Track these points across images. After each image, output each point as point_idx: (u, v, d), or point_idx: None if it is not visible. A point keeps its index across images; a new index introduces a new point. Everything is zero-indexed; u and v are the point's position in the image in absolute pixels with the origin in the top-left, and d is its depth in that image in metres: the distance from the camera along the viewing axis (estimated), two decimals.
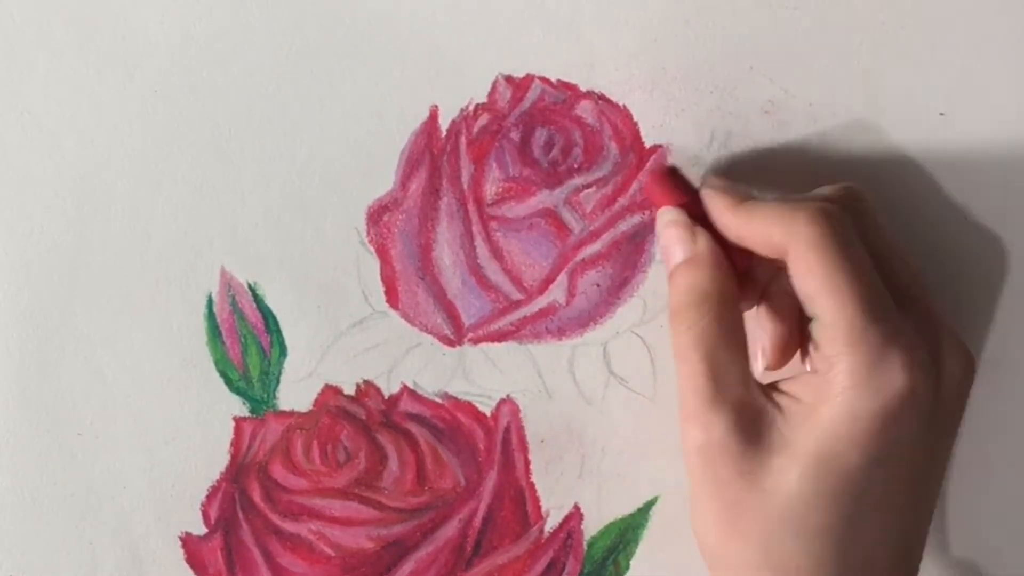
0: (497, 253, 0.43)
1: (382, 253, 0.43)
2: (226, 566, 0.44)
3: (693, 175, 0.42)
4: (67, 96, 0.43)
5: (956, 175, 0.43)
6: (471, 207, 0.43)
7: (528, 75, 0.43)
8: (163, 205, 0.43)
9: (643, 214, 0.43)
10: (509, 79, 0.43)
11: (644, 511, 0.44)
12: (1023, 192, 0.43)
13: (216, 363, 0.43)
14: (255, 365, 0.43)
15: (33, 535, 0.44)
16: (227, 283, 0.43)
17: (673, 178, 0.41)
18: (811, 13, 0.42)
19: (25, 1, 0.42)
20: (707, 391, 0.37)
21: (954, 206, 0.43)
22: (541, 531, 0.44)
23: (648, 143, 0.43)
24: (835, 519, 0.36)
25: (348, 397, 0.44)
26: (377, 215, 0.43)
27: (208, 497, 0.44)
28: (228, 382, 0.43)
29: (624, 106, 0.43)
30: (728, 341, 0.38)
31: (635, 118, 0.43)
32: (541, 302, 0.43)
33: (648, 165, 0.43)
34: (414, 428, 0.44)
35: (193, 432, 0.44)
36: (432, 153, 0.43)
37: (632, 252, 0.43)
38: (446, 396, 0.44)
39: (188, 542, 0.44)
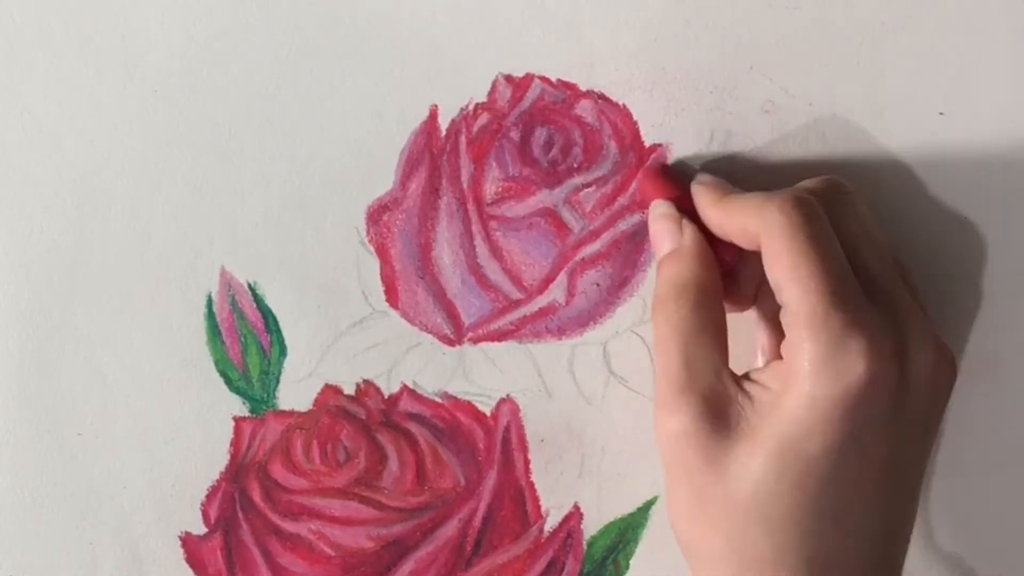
0: (497, 253, 0.43)
1: (382, 253, 0.43)
2: (226, 566, 0.44)
3: (692, 173, 0.42)
4: (67, 96, 0.43)
5: (956, 175, 0.43)
6: (471, 207, 0.43)
7: (528, 75, 0.43)
8: (163, 205, 0.43)
9: (643, 213, 0.43)
10: (509, 79, 0.43)
11: (644, 511, 0.44)
12: (1023, 192, 0.43)
13: (216, 363, 0.43)
14: (255, 365, 0.43)
15: (33, 535, 0.44)
16: (227, 283, 0.43)
17: (665, 173, 0.42)
18: (811, 13, 0.42)
19: (25, 1, 0.42)
20: (679, 380, 0.38)
21: (954, 206, 0.43)
22: (541, 531, 0.44)
23: (648, 143, 0.43)
24: (798, 508, 0.36)
25: (348, 397, 0.44)
26: (377, 215, 0.43)
27: (208, 497, 0.44)
28: (228, 382, 0.43)
29: (624, 106, 0.43)
30: (704, 332, 0.38)
31: (635, 118, 0.43)
32: (541, 301, 0.43)
33: (648, 162, 0.43)
34: (414, 428, 0.44)
35: (193, 432, 0.44)
36: (432, 153, 0.43)
37: (632, 251, 0.43)
38: (446, 396, 0.44)
39: (188, 542, 0.44)
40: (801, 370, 0.36)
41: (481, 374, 0.44)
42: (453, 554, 0.44)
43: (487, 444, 0.44)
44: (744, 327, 0.42)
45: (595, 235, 0.43)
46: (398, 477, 0.44)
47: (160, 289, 0.43)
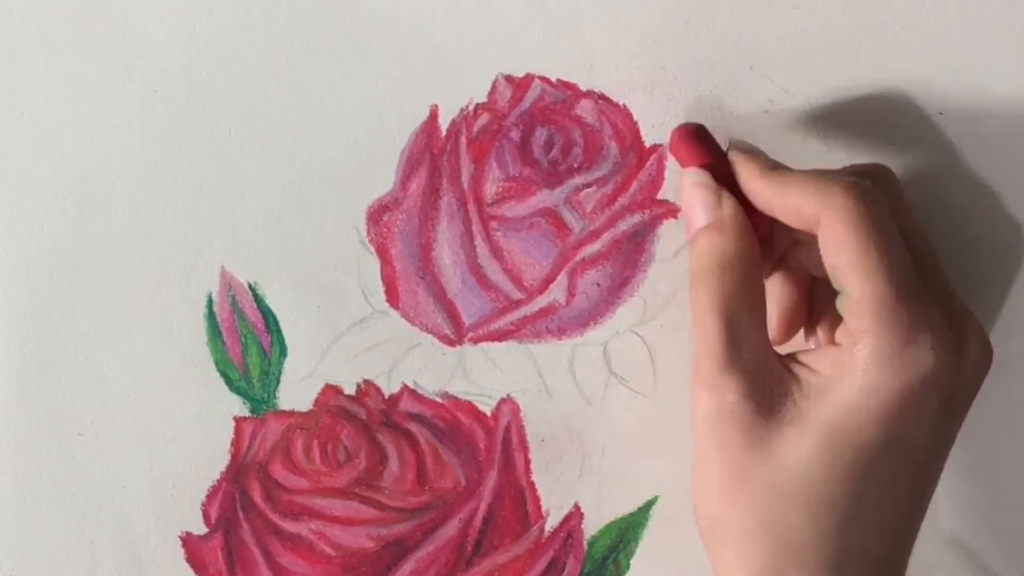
0: (497, 253, 0.43)
1: (382, 253, 0.43)
2: (226, 566, 0.44)
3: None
4: (67, 96, 0.43)
5: (956, 175, 0.43)
6: (471, 207, 0.43)
7: (528, 75, 0.43)
8: (163, 205, 0.43)
9: (643, 213, 0.43)
10: (509, 79, 0.43)
11: (644, 511, 0.44)
12: (1023, 192, 0.43)
13: (216, 363, 0.43)
14: (255, 365, 0.43)
15: (33, 535, 0.44)
16: (227, 283, 0.43)
17: (700, 137, 0.40)
18: (811, 13, 0.42)
19: (25, 1, 0.42)
20: (723, 356, 0.37)
21: (953, 206, 0.43)
22: (541, 530, 0.44)
23: (648, 143, 0.43)
24: (844, 496, 0.36)
25: (348, 397, 0.44)
26: (377, 215, 0.43)
27: (208, 497, 0.44)
28: (228, 382, 0.43)
29: (624, 106, 0.43)
30: (750, 308, 0.37)
31: (635, 118, 0.43)
32: (541, 301, 0.43)
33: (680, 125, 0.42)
34: (414, 428, 0.44)
35: (193, 432, 0.44)
36: (432, 153, 0.43)
37: (632, 251, 0.43)
38: (446, 396, 0.44)
39: (188, 542, 0.44)
40: (863, 359, 0.36)
41: (481, 374, 0.44)
42: (454, 554, 0.44)
43: (487, 444, 0.44)
44: None
45: (595, 235, 0.43)
46: (398, 477, 0.44)
47: (160, 289, 0.43)
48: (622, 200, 0.43)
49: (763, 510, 0.36)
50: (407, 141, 0.43)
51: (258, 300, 0.43)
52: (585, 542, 0.44)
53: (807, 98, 0.43)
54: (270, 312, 0.43)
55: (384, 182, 0.43)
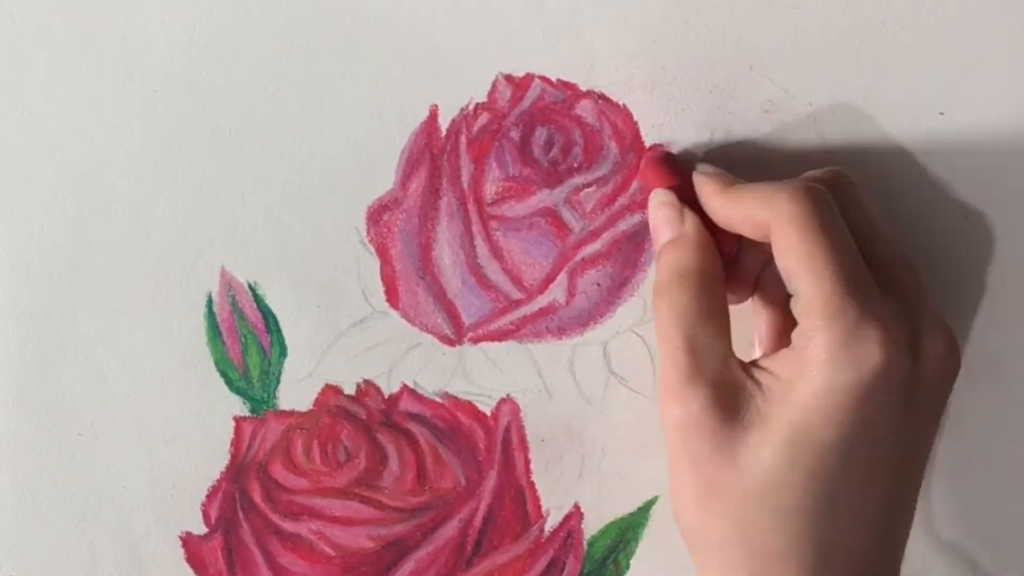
0: (497, 252, 0.43)
1: (382, 253, 0.43)
2: (226, 566, 0.44)
3: (693, 163, 0.42)
4: (67, 96, 0.43)
5: (956, 175, 0.43)
6: (471, 207, 0.43)
7: (528, 75, 0.43)
8: (163, 205, 0.43)
9: (643, 213, 0.43)
10: (509, 78, 0.43)
11: (644, 511, 0.44)
12: (1023, 192, 0.43)
13: (216, 363, 0.43)
14: (255, 365, 0.43)
15: (33, 535, 0.44)
16: (227, 283, 0.43)
17: (666, 161, 0.42)
18: (811, 13, 0.42)
19: (25, 1, 0.42)
20: (686, 367, 0.38)
21: (954, 206, 0.43)
22: (541, 530, 0.44)
23: (648, 143, 0.43)
24: (810, 497, 0.36)
25: (348, 397, 0.44)
26: (377, 215, 0.43)
27: (208, 497, 0.44)
28: (228, 382, 0.43)
29: (624, 106, 0.43)
30: (709, 318, 0.38)
31: (635, 118, 0.43)
32: (541, 301, 0.43)
33: (648, 151, 0.43)
34: (414, 428, 0.44)
35: (193, 432, 0.44)
36: (432, 153, 0.43)
37: (632, 251, 0.43)
38: (446, 396, 0.44)
39: (188, 542, 0.44)
40: (816, 359, 0.36)
41: (481, 374, 0.44)
42: (453, 554, 0.44)
43: (487, 444, 0.44)
44: (740, 317, 0.42)
45: (595, 235, 0.43)
46: (398, 477, 0.44)
47: (160, 289, 0.43)
48: (622, 200, 0.43)
49: (737, 517, 0.37)
50: (407, 141, 0.43)
51: (258, 300, 0.43)
52: (585, 542, 0.44)
53: (807, 98, 0.43)
54: (270, 312, 0.43)
55: (384, 182, 0.43)
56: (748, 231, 0.39)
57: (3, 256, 0.43)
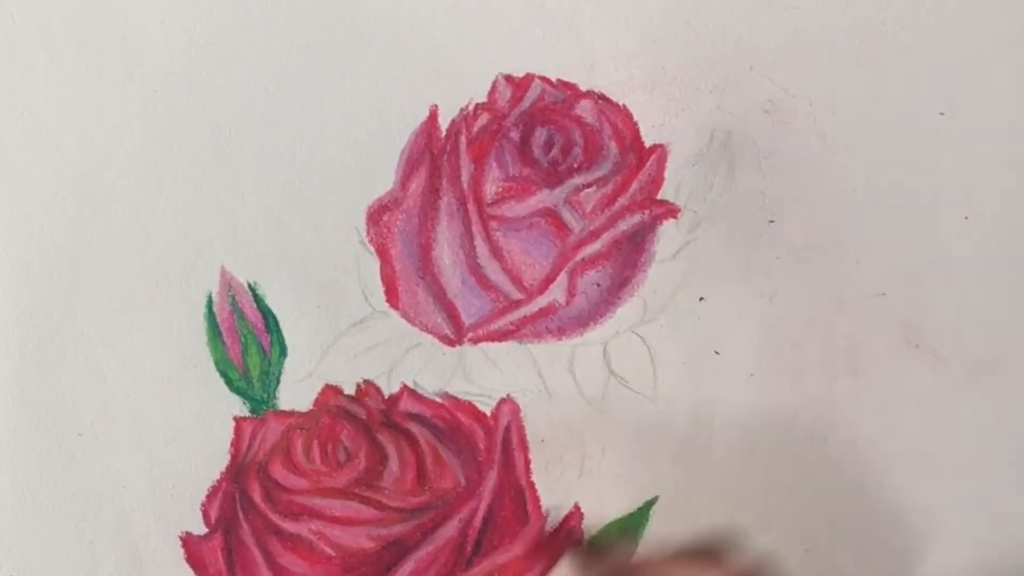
0: (497, 253, 0.43)
1: (382, 253, 0.43)
2: (226, 566, 0.44)
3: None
4: (67, 96, 0.43)
5: (956, 175, 0.43)
6: (471, 207, 0.43)
7: (528, 75, 0.43)
8: (163, 205, 0.43)
9: (643, 213, 0.43)
10: (509, 79, 0.43)
11: (644, 511, 0.44)
12: (1023, 192, 0.43)
13: (216, 363, 0.43)
14: (255, 365, 0.43)
15: (33, 535, 0.44)
16: (227, 283, 0.43)
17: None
18: (811, 13, 0.42)
19: (25, 1, 0.42)
20: None
21: (954, 206, 0.43)
22: (541, 530, 0.44)
23: (648, 143, 0.43)
24: None
25: (348, 397, 0.44)
26: (377, 215, 0.43)
27: (208, 497, 0.44)
28: (228, 382, 0.43)
29: (624, 106, 0.43)
30: None
31: (635, 118, 0.43)
32: (541, 302, 0.43)
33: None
34: (414, 428, 0.44)
35: (193, 432, 0.43)
36: (432, 153, 0.43)
37: (632, 252, 0.43)
38: (446, 396, 0.44)
39: (188, 542, 0.44)
40: None
41: (481, 374, 0.44)
42: (453, 554, 0.44)
43: (487, 444, 0.44)
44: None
45: (595, 235, 0.43)
46: (398, 477, 0.44)
47: (160, 289, 0.43)
48: (622, 200, 0.43)
49: None
50: (407, 141, 0.43)
51: (258, 300, 0.43)
52: (585, 542, 0.44)
53: (807, 98, 0.43)
54: (270, 312, 0.43)
55: (384, 182, 0.43)
56: None
57: (3, 256, 0.43)
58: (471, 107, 0.43)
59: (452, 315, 0.43)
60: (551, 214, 0.43)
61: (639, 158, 0.43)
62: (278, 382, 0.43)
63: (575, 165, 0.43)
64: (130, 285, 0.43)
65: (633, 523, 0.44)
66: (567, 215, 0.43)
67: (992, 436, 0.44)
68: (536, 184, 0.43)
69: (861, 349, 0.44)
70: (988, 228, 0.43)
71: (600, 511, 0.44)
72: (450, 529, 0.44)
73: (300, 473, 0.44)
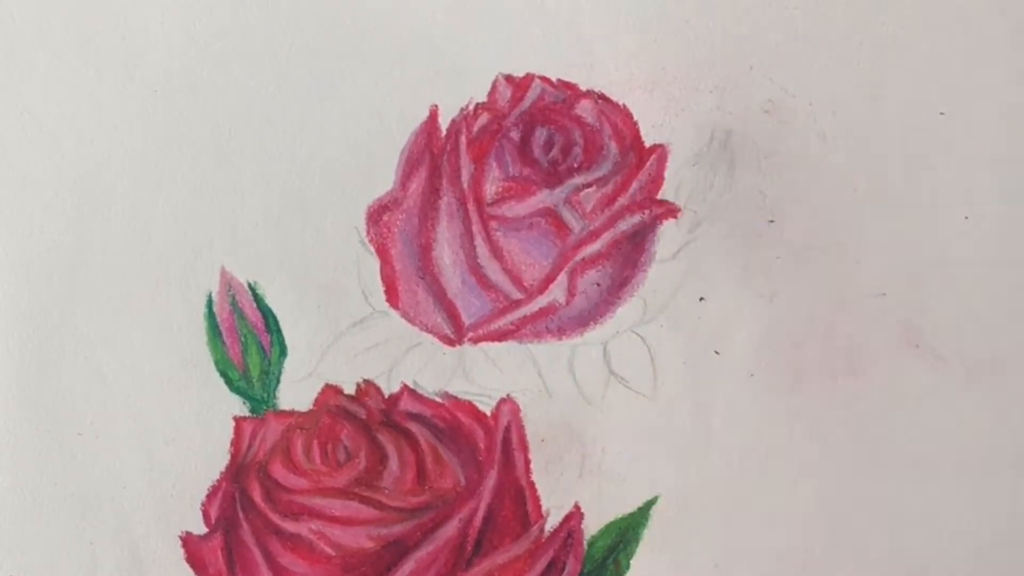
0: (497, 253, 0.43)
1: (382, 253, 0.43)
2: (226, 566, 0.44)
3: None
4: (67, 96, 0.43)
5: (956, 175, 0.43)
6: (471, 207, 0.43)
7: (528, 75, 0.43)
8: (163, 205, 0.43)
9: (643, 213, 0.43)
10: (509, 79, 0.43)
11: (644, 510, 0.44)
12: (1023, 192, 0.43)
13: (216, 363, 0.43)
14: (255, 365, 0.43)
15: (33, 535, 0.44)
16: (227, 283, 0.43)
17: None
18: (811, 13, 0.42)
19: (25, 1, 0.42)
20: None
21: (954, 206, 0.43)
22: (541, 530, 0.44)
23: (648, 143, 0.43)
24: None
25: (348, 397, 0.44)
26: (377, 215, 0.43)
27: (208, 497, 0.44)
28: (228, 382, 0.43)
29: (624, 105, 0.43)
30: None
31: (635, 117, 0.43)
32: (541, 301, 0.43)
33: None
34: (414, 427, 0.44)
35: (193, 432, 0.43)
36: (432, 153, 0.43)
37: (632, 251, 0.43)
38: (446, 395, 0.44)
39: (188, 542, 0.44)
40: None
41: (481, 374, 0.44)
42: (453, 554, 0.44)
43: (487, 444, 0.44)
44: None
45: (595, 235, 0.43)
46: (398, 477, 0.44)
47: (160, 289, 0.43)
48: (622, 200, 0.43)
49: None
50: (407, 141, 0.43)
51: (258, 300, 0.43)
52: (585, 542, 0.44)
53: (807, 98, 0.43)
54: (270, 312, 0.43)
55: (384, 182, 0.43)
56: None
57: (3, 256, 0.43)
58: (471, 107, 0.43)
59: (452, 315, 0.43)
60: (551, 214, 0.43)
61: (639, 158, 0.43)
62: (278, 382, 0.43)
63: (575, 165, 0.43)
64: (130, 285, 0.43)
65: (633, 523, 0.44)
66: (567, 215, 0.43)
67: (992, 436, 0.44)
68: (536, 184, 0.43)
69: (861, 349, 0.44)
70: (988, 228, 0.43)
71: (600, 511, 0.44)
72: (450, 529, 0.44)
73: (300, 473, 0.44)
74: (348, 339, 0.43)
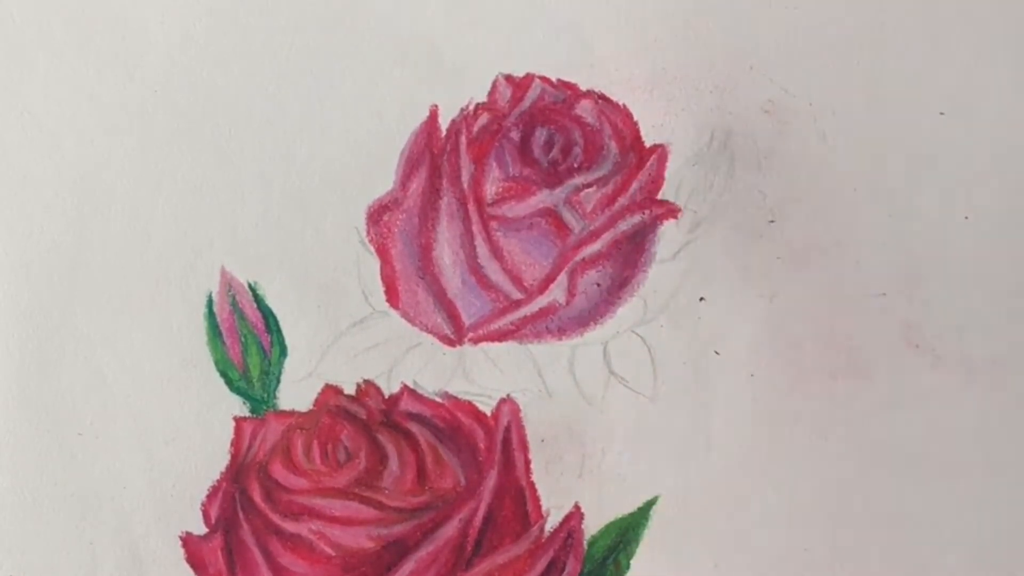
0: (497, 253, 0.43)
1: (382, 253, 0.43)
2: (226, 566, 0.44)
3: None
4: (67, 96, 0.43)
5: (956, 175, 0.43)
6: (471, 207, 0.43)
7: (528, 75, 0.43)
8: (163, 205, 0.43)
9: (643, 213, 0.43)
10: (509, 79, 0.43)
11: (644, 510, 0.44)
12: (1023, 192, 0.43)
13: (216, 363, 0.43)
14: (255, 365, 0.43)
15: (33, 535, 0.44)
16: (227, 283, 0.43)
17: None
18: (811, 13, 0.42)
19: (25, 1, 0.42)
20: None
21: (954, 206, 0.43)
22: (541, 531, 0.44)
23: (648, 143, 0.43)
24: None
25: (348, 397, 0.44)
26: (377, 215, 0.43)
27: (208, 497, 0.44)
28: (228, 382, 0.43)
29: (624, 106, 0.43)
30: None
31: (635, 118, 0.43)
32: (541, 302, 0.43)
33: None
34: (414, 428, 0.44)
35: (193, 432, 0.44)
36: (432, 153, 0.43)
37: (632, 252, 0.43)
38: (446, 396, 0.44)
39: (188, 542, 0.44)
40: None
41: (481, 374, 0.44)
42: (453, 554, 0.44)
43: (487, 444, 0.44)
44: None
45: (595, 235, 0.43)
46: (398, 477, 0.44)
47: (160, 289, 0.43)
48: (622, 200, 0.43)
49: None
50: (407, 141, 0.43)
51: (258, 300, 0.43)
52: (585, 542, 0.44)
53: (807, 98, 0.43)
54: (270, 312, 0.43)
55: (384, 182, 0.43)
56: None
57: (3, 256, 0.43)
58: (471, 107, 0.43)
59: (452, 315, 0.43)
60: (551, 214, 0.43)
61: (639, 158, 0.43)
62: (278, 382, 0.43)
63: (575, 165, 0.43)
64: (130, 285, 0.43)
65: (633, 523, 0.44)
66: (567, 215, 0.43)
67: (992, 436, 0.44)
68: (536, 184, 0.43)
69: (861, 349, 0.44)
70: (988, 228, 0.43)
71: (600, 511, 0.44)
72: (450, 529, 0.44)
73: (300, 473, 0.44)
74: (348, 339, 0.43)
